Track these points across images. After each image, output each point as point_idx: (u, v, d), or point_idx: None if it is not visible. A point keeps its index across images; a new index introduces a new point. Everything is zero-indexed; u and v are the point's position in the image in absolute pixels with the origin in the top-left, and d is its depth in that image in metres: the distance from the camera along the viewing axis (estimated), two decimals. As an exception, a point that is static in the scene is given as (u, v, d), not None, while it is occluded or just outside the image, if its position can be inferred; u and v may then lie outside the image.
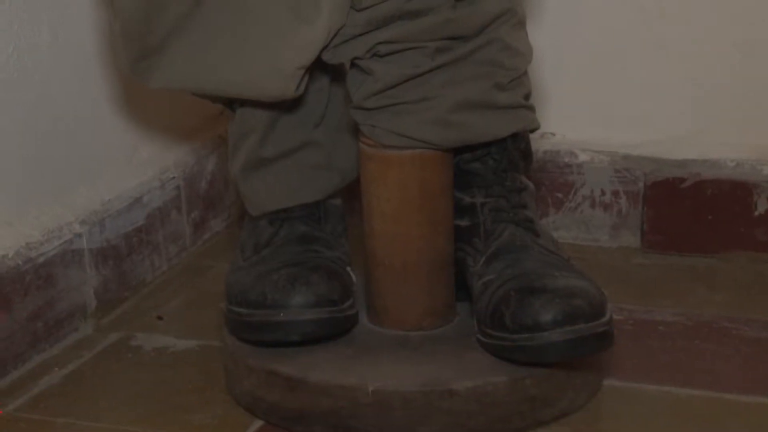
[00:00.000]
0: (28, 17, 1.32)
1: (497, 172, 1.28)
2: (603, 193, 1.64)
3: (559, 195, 1.66)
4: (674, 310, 1.43)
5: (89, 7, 1.42)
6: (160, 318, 1.47)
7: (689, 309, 1.44)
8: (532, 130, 1.30)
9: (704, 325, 1.40)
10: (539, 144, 1.63)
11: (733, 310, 1.43)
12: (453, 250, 1.28)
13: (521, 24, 1.27)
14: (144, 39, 1.20)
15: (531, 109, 1.29)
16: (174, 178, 1.61)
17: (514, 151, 1.29)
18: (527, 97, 1.28)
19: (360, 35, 1.19)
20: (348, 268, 1.29)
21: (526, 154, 1.32)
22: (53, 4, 1.36)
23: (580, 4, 1.61)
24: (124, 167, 1.53)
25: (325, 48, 1.19)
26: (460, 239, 1.28)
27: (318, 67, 1.23)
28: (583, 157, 1.65)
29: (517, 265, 1.21)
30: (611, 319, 1.16)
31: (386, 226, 1.25)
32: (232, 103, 1.33)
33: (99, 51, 1.45)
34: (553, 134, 1.66)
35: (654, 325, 1.40)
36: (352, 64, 1.23)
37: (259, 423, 1.22)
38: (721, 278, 1.53)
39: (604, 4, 1.60)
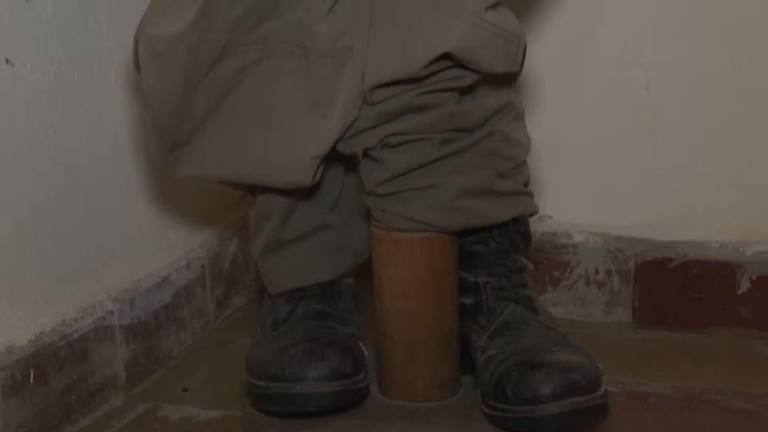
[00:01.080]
0: (67, 109, 1.32)
1: (499, 253, 1.28)
2: (597, 271, 1.63)
3: (557, 273, 1.65)
4: (665, 383, 1.41)
5: (124, 101, 1.43)
6: (185, 390, 1.45)
7: (679, 382, 1.42)
8: (531, 215, 1.30)
9: (693, 397, 1.38)
10: (537, 226, 1.62)
11: (720, 383, 1.41)
12: (458, 326, 1.27)
13: (520, 117, 1.27)
14: (173, 133, 1.20)
15: (530, 195, 1.28)
16: (199, 258, 1.60)
17: (515, 233, 1.28)
18: (526, 183, 1.28)
19: (372, 127, 1.19)
20: (360, 343, 1.28)
21: (526, 236, 1.31)
22: (91, 97, 1.36)
23: (574, 98, 1.61)
24: (154, 248, 1.52)
25: (339, 139, 1.19)
26: (465, 317, 1.27)
27: (333, 156, 1.23)
28: (578, 238, 1.64)
29: (518, 341, 1.20)
30: (606, 392, 1.15)
31: (396, 303, 1.24)
32: (253, 190, 1.33)
33: (132, 141, 1.46)
34: (551, 217, 1.66)
35: (646, 397, 1.38)
36: (365, 154, 1.23)
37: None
38: (708, 352, 1.51)
39: (596, 96, 1.60)
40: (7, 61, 1.22)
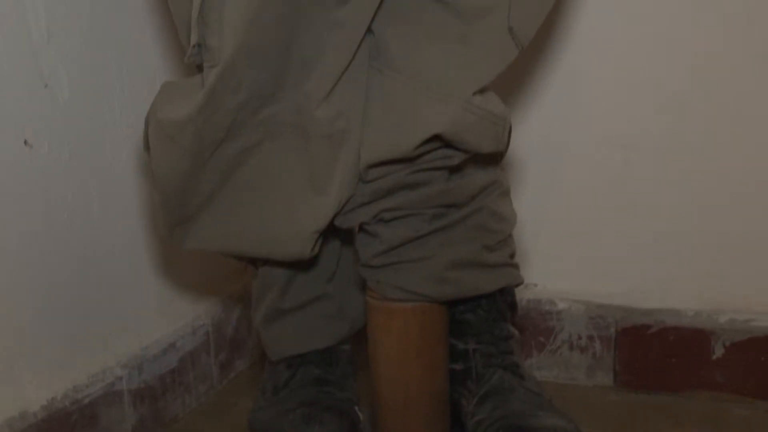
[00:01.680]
0: (81, 186, 1.34)
1: (487, 321, 1.29)
2: (580, 337, 1.65)
3: (541, 339, 1.66)
4: (645, 443, 1.42)
5: (134, 179, 1.45)
6: (190, 451, 1.46)
7: (658, 442, 1.43)
8: (517, 285, 1.32)
9: (673, 456, 1.39)
10: (523, 294, 1.63)
11: (697, 443, 1.43)
12: (448, 390, 1.28)
13: (506, 193, 1.29)
14: (180, 209, 1.22)
15: (516, 266, 1.30)
16: (204, 324, 1.61)
17: (502, 303, 1.30)
18: (512, 256, 1.30)
19: (367, 203, 1.21)
20: (356, 408, 1.29)
21: (512, 305, 1.33)
22: (103, 176, 1.38)
23: (556, 174, 1.64)
24: (161, 316, 1.53)
25: (337, 214, 1.21)
26: (455, 382, 1.28)
27: (331, 230, 1.25)
28: (561, 305, 1.66)
29: (506, 405, 1.21)
30: (589, 454, 1.16)
31: (390, 368, 1.25)
32: (255, 262, 1.35)
33: (141, 217, 1.47)
34: (536, 285, 1.67)
35: (628, 456, 1.39)
36: (360, 228, 1.25)
37: None
38: (686, 414, 1.52)
39: (577, 173, 1.62)
40: (25, 142, 1.24)
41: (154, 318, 1.52)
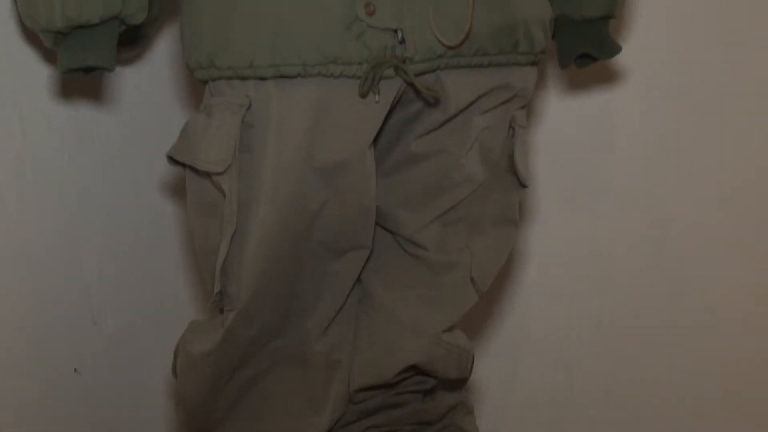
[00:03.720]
0: (120, 410, 1.34)
1: None
2: None
3: None
4: None
5: (163, 400, 1.45)
6: None
7: None
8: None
9: None
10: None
11: None
12: None
13: (470, 412, 1.30)
14: (200, 423, 1.22)
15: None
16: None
17: None
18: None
19: (355, 421, 1.22)
20: None
21: None
22: (140, 397, 1.39)
23: (510, 395, 1.65)
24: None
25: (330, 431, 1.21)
26: None
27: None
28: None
29: None
30: None
31: None
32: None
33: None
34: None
35: None
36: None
37: None
38: None
39: (528, 394, 1.63)
40: (75, 370, 1.25)
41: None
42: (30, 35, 1.17)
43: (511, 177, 1.21)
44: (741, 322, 1.58)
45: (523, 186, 1.22)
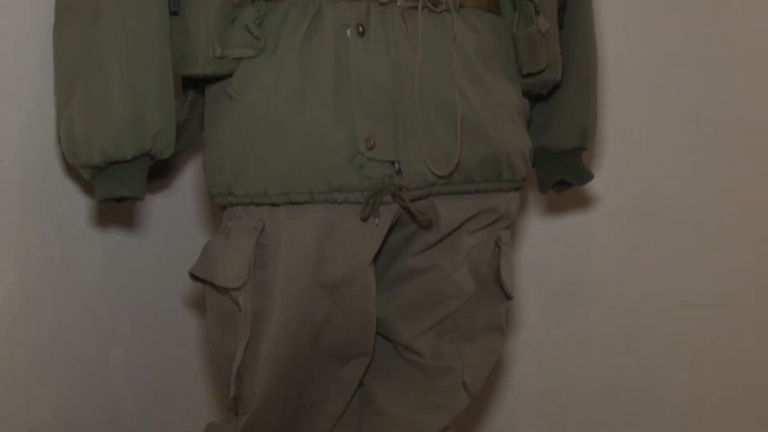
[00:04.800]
0: None
1: None
2: None
3: None
4: None
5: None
6: None
7: None
8: None
9: None
10: None
11: None
12: None
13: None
14: None
15: None
16: None
17: None
18: None
19: None
20: None
21: None
22: None
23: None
24: None
25: None
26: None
27: None
28: None
29: None
30: None
31: None
32: None
33: None
34: None
35: None
36: None
37: None
38: None
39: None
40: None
41: None
42: (71, 169, 1.20)
43: (498, 289, 1.23)
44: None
45: (509, 297, 1.24)
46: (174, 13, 1.08)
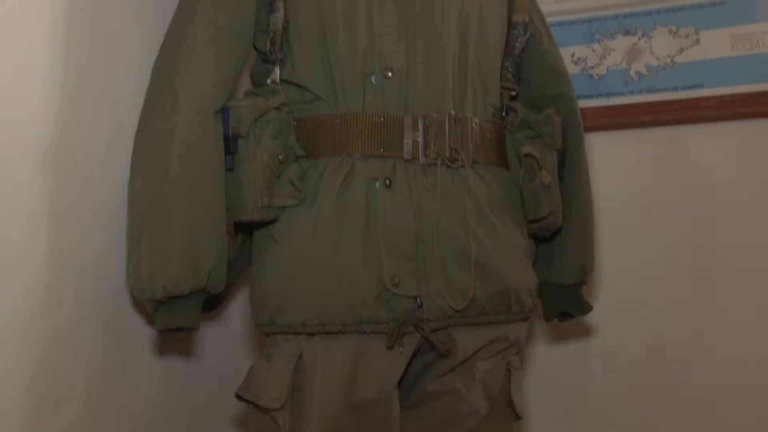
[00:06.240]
0: None
1: None
2: None
3: None
4: None
5: None
6: None
7: None
8: None
9: None
10: None
11: None
12: None
13: None
14: None
15: None
16: None
17: None
18: None
19: None
20: None
21: None
22: None
23: None
24: None
25: None
26: None
27: None
28: None
29: None
30: None
31: None
32: None
33: None
34: None
35: None
36: None
37: None
38: None
39: None
40: None
41: None
42: (136, 302, 1.22)
43: (509, 409, 1.23)
44: None
45: (519, 417, 1.23)
46: (229, 169, 1.12)
